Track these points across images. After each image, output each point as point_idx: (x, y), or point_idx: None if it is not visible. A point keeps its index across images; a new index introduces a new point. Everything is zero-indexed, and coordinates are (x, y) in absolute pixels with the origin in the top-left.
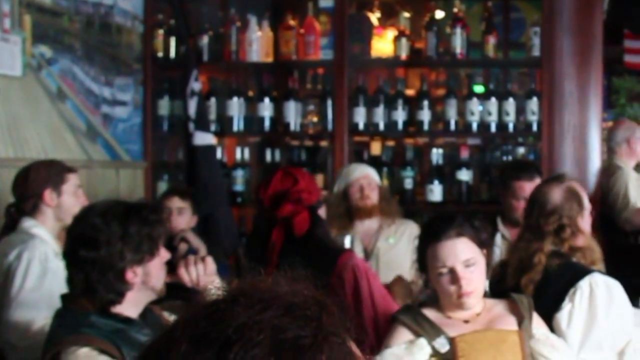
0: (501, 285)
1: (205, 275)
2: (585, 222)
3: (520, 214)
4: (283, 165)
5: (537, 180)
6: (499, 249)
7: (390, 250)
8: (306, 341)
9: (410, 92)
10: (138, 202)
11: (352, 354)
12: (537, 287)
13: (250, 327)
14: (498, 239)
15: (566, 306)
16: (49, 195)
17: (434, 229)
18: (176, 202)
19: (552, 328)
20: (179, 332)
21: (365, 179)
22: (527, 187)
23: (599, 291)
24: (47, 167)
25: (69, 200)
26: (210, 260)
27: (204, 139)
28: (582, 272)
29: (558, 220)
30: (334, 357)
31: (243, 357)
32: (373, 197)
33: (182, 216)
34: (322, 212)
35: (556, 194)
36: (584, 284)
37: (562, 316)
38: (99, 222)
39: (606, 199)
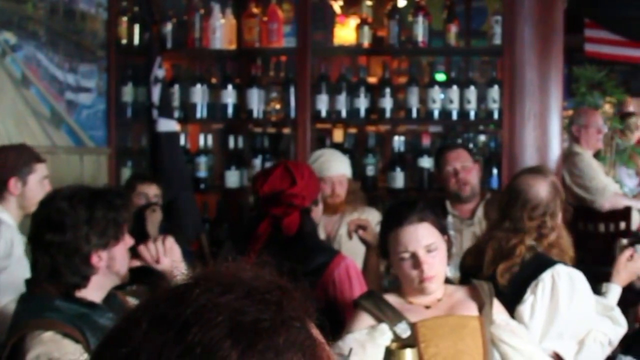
0: (477, 273)
1: (165, 254)
2: (561, 215)
3: (456, 183)
4: (246, 152)
5: (461, 150)
6: (452, 230)
7: (353, 238)
8: (265, 324)
9: (372, 79)
10: (104, 187)
11: (311, 338)
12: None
13: (209, 309)
14: (449, 220)
15: (528, 299)
16: (13, 183)
17: (396, 214)
18: (154, 189)
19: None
20: (140, 313)
21: (339, 178)
22: (452, 155)
23: (561, 282)
24: (15, 155)
25: (34, 189)
26: (171, 240)
27: (167, 125)
28: (546, 264)
29: (542, 217)
30: (292, 340)
31: (201, 339)
32: (342, 195)
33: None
34: (318, 209)
35: (542, 189)
36: (546, 276)
37: (525, 309)
38: (65, 206)
39: (567, 186)
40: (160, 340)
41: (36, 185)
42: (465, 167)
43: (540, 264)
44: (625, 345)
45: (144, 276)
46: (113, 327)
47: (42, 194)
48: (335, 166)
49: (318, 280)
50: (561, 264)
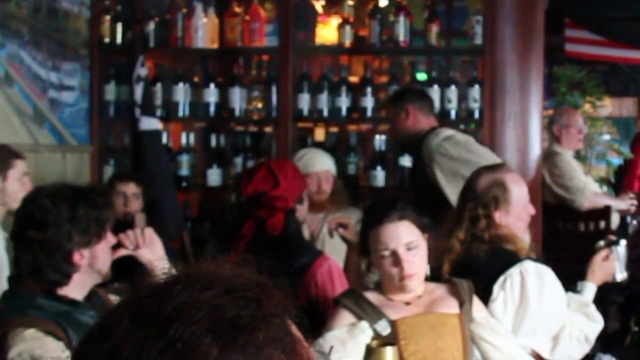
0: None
1: (145, 243)
2: (509, 216)
3: None
4: (227, 150)
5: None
6: None
7: (335, 237)
8: (245, 320)
9: (353, 79)
10: (87, 186)
11: (291, 335)
12: (466, 274)
13: (190, 305)
14: None
15: (499, 295)
16: None
17: (377, 212)
18: (132, 188)
19: None
20: (122, 310)
21: (325, 173)
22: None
23: (529, 278)
24: None
25: (13, 185)
26: (150, 230)
27: (150, 124)
28: (512, 260)
29: (473, 210)
30: (272, 336)
31: (182, 334)
32: (328, 191)
33: (138, 201)
34: (303, 208)
35: (481, 181)
36: (514, 272)
37: (497, 306)
38: (47, 204)
39: (547, 185)
40: (141, 336)
41: (16, 181)
42: None
43: (506, 259)
44: (606, 344)
45: (126, 274)
46: (95, 324)
47: (23, 191)
48: (321, 162)
49: (300, 281)
50: (528, 260)
